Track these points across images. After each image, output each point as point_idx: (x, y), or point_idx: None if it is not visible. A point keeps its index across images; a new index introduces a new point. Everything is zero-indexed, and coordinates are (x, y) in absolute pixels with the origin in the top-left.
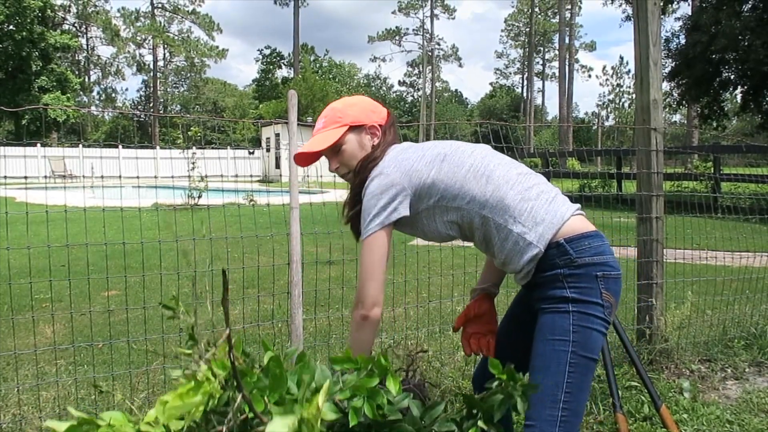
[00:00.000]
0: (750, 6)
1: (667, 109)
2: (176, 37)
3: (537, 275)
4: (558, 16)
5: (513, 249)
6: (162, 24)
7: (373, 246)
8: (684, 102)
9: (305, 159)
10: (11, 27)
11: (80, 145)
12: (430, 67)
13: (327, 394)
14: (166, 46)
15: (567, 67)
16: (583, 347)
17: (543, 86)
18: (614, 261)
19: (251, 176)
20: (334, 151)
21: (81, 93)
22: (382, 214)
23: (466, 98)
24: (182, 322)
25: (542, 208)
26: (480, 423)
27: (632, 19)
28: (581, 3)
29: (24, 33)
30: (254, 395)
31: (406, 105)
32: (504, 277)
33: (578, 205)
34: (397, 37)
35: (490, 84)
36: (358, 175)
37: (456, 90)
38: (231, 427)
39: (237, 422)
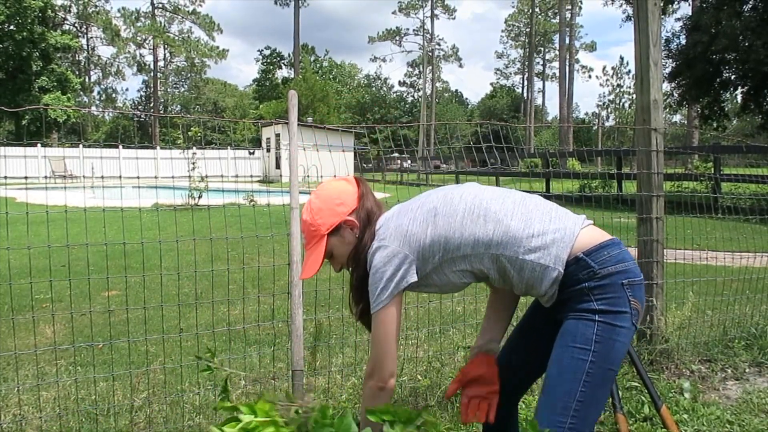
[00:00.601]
0: (750, 6)
1: (667, 110)
2: (176, 38)
3: (562, 292)
4: (558, 17)
5: (531, 277)
6: (162, 24)
7: (385, 319)
8: (684, 102)
9: (311, 272)
10: (12, 27)
11: (80, 146)
12: (430, 68)
13: None
14: (166, 46)
15: (567, 68)
16: (604, 358)
17: (543, 86)
18: (636, 267)
19: (251, 176)
20: (329, 258)
21: (81, 93)
22: (389, 286)
23: (467, 98)
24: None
25: (549, 230)
26: None
27: (632, 19)
28: (581, 3)
29: (24, 33)
30: None
31: (407, 105)
32: (506, 330)
33: (584, 216)
34: (397, 38)
35: (491, 84)
36: (356, 270)
37: (456, 90)
38: None
39: None
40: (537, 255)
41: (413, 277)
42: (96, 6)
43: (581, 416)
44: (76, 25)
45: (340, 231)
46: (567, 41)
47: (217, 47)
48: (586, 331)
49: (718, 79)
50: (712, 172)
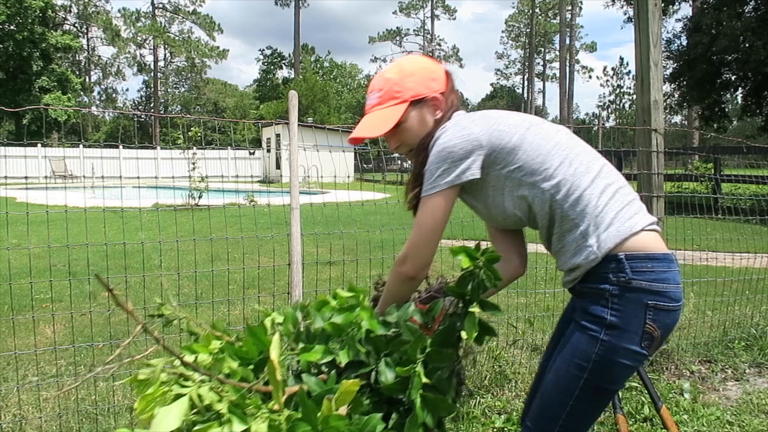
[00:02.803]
0: (751, 7)
1: (667, 111)
2: (177, 38)
3: (583, 284)
4: (559, 17)
5: (570, 245)
6: (163, 24)
7: (436, 206)
8: (685, 103)
9: (359, 138)
10: (12, 27)
11: (81, 146)
12: None
13: (278, 349)
14: (166, 46)
15: (567, 68)
16: (601, 377)
17: (543, 87)
18: (676, 292)
19: (252, 177)
20: (392, 131)
21: (82, 93)
22: (453, 171)
23: (467, 99)
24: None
25: (614, 211)
26: (474, 308)
27: (633, 20)
28: (581, 4)
29: (25, 33)
30: (232, 371)
31: None
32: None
33: (655, 219)
34: (397, 38)
35: (491, 85)
36: (420, 154)
37: (456, 90)
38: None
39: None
40: (589, 229)
41: (477, 173)
42: (96, 6)
43: (570, 427)
44: (77, 25)
45: (422, 106)
46: (567, 42)
47: (218, 47)
48: (587, 348)
49: (718, 80)
50: (713, 172)
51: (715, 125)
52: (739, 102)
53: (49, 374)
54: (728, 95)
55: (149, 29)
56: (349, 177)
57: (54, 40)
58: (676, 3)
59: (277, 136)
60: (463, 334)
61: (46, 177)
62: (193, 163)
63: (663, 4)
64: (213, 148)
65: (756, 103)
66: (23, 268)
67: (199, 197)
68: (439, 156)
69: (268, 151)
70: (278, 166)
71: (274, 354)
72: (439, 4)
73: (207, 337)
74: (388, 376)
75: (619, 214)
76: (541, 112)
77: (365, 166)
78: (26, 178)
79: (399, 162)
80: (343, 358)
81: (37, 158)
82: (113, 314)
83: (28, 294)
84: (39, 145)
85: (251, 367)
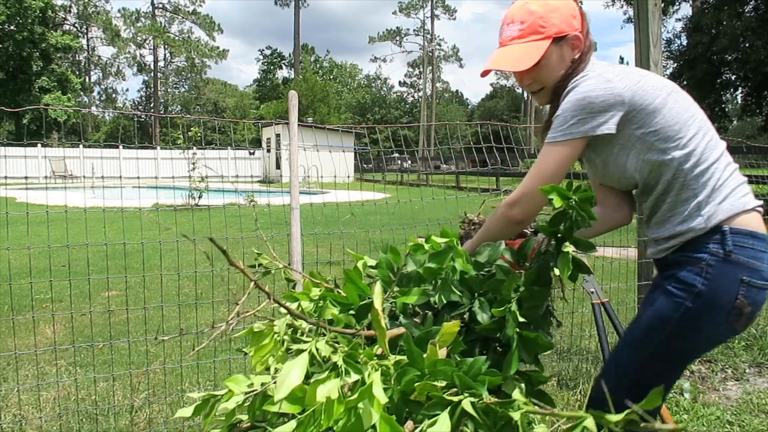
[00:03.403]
0: (751, 6)
1: None
2: (177, 38)
3: (680, 252)
4: None
5: (680, 213)
6: (162, 24)
7: (562, 154)
8: None
9: (517, 66)
10: (12, 27)
11: (81, 146)
12: (430, 68)
13: (381, 297)
14: (166, 46)
15: None
16: (676, 342)
17: None
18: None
19: (252, 177)
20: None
21: (81, 93)
22: (589, 122)
23: (467, 99)
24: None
25: (730, 187)
26: (567, 246)
27: (633, 20)
28: (582, 4)
29: (25, 33)
30: (335, 318)
31: (407, 105)
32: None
33: (761, 203)
34: (397, 38)
35: (491, 85)
36: (553, 98)
37: (457, 90)
38: (297, 350)
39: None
40: (707, 199)
41: (613, 128)
42: (96, 6)
43: (638, 385)
44: (77, 25)
45: (563, 44)
46: None
47: (218, 47)
48: (670, 312)
49: (718, 80)
50: None
51: (715, 125)
52: (739, 102)
53: (50, 374)
54: (728, 95)
55: (149, 29)
56: (349, 177)
57: (54, 40)
58: (676, 3)
59: (277, 136)
60: (557, 272)
61: (46, 177)
62: (193, 163)
63: (663, 4)
64: (213, 148)
65: (756, 103)
66: (23, 268)
67: (199, 197)
68: (577, 104)
69: (268, 151)
70: (278, 166)
71: (377, 302)
72: (439, 4)
73: (306, 285)
74: (483, 316)
75: (735, 190)
76: (541, 111)
77: (365, 166)
78: (26, 178)
79: (399, 162)
80: (439, 300)
81: (37, 158)
82: (113, 314)
83: (28, 294)
84: (39, 145)
85: (352, 312)
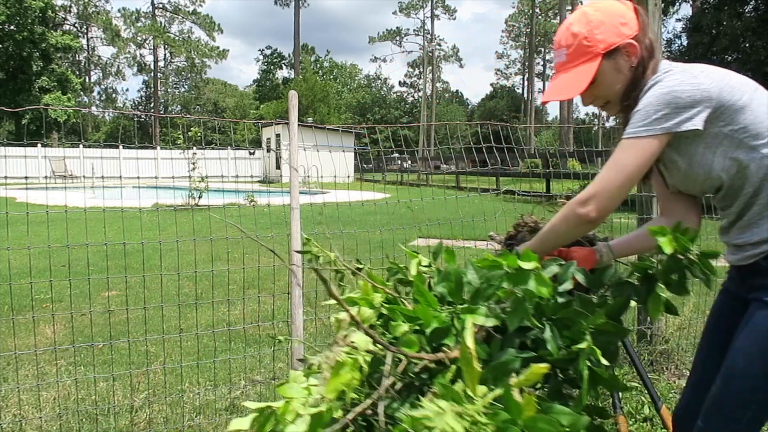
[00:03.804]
0: (751, 7)
1: None
2: (177, 38)
3: None
4: (558, 17)
5: None
6: (162, 24)
7: (644, 149)
8: None
9: (569, 94)
10: (12, 27)
11: (81, 146)
12: (430, 68)
13: (473, 333)
14: (166, 46)
15: None
16: None
17: (543, 87)
18: None
19: (252, 177)
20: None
21: (81, 93)
22: (674, 118)
23: (467, 99)
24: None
25: None
26: (659, 288)
27: None
28: (582, 3)
29: (25, 33)
30: (406, 339)
31: (407, 105)
32: (632, 253)
33: None
34: (397, 38)
35: (491, 85)
36: (623, 103)
37: (457, 91)
38: (395, 380)
39: (398, 373)
40: None
41: (699, 125)
42: (96, 6)
43: (755, 426)
44: (77, 25)
45: (616, 56)
46: None
47: (218, 47)
48: None
49: None
50: None
51: None
52: None
53: (50, 374)
54: None
55: (149, 29)
56: (349, 177)
57: (54, 40)
58: (676, 3)
59: (277, 136)
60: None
61: (46, 177)
62: (193, 163)
63: (663, 4)
64: (213, 148)
65: None
66: (23, 268)
67: (199, 197)
68: (662, 98)
69: (268, 151)
70: (278, 166)
71: (470, 341)
72: (439, 4)
73: (364, 287)
74: (554, 345)
75: None
76: (541, 111)
77: (365, 166)
78: (26, 178)
79: (399, 162)
80: (512, 324)
81: (37, 158)
82: (113, 314)
83: (28, 294)
84: (39, 145)
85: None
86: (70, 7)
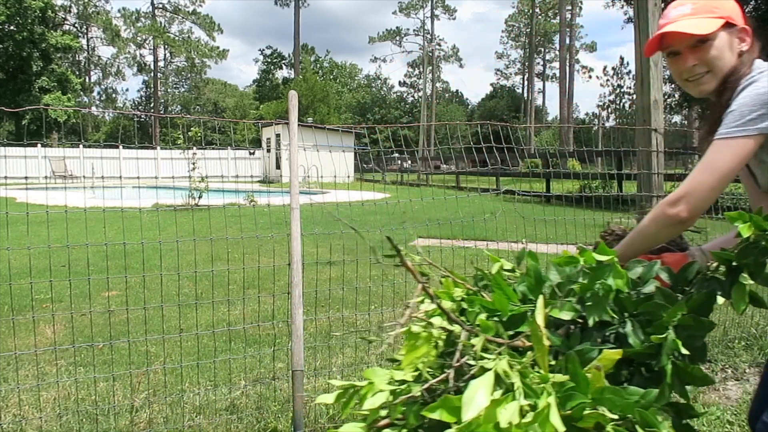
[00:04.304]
0: (751, 7)
1: (667, 110)
2: (177, 38)
3: None
4: (558, 17)
5: None
6: (162, 24)
7: (738, 150)
8: (685, 103)
9: (655, 45)
10: (12, 27)
11: (81, 146)
12: (430, 68)
13: (543, 309)
14: (166, 46)
15: (567, 68)
16: None
17: (543, 87)
18: None
19: (252, 177)
20: (696, 45)
21: (81, 93)
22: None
23: (467, 99)
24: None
25: None
26: (743, 277)
27: (633, 20)
28: (581, 4)
29: (25, 33)
30: (482, 322)
31: (407, 105)
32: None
33: None
34: (397, 38)
35: (491, 85)
36: (717, 81)
37: (457, 90)
38: (461, 359)
39: (475, 353)
40: None
41: None
42: (96, 6)
43: None
44: (77, 25)
45: (733, 33)
46: (567, 41)
47: (218, 47)
48: None
49: None
50: None
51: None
52: None
53: (50, 374)
54: None
55: (149, 29)
56: (349, 177)
57: (54, 40)
58: None
59: (277, 136)
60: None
61: (46, 177)
62: (193, 164)
63: (663, 4)
64: (213, 148)
65: None
66: (23, 268)
67: (199, 197)
68: (758, 98)
69: (268, 151)
70: (278, 166)
71: (540, 318)
72: (439, 4)
73: (446, 283)
74: (635, 339)
75: None
76: (541, 111)
77: (365, 165)
78: (26, 178)
79: (399, 162)
80: (590, 318)
81: (37, 158)
82: (113, 314)
83: (28, 294)
84: (39, 145)
85: (497, 319)
86: (70, 7)
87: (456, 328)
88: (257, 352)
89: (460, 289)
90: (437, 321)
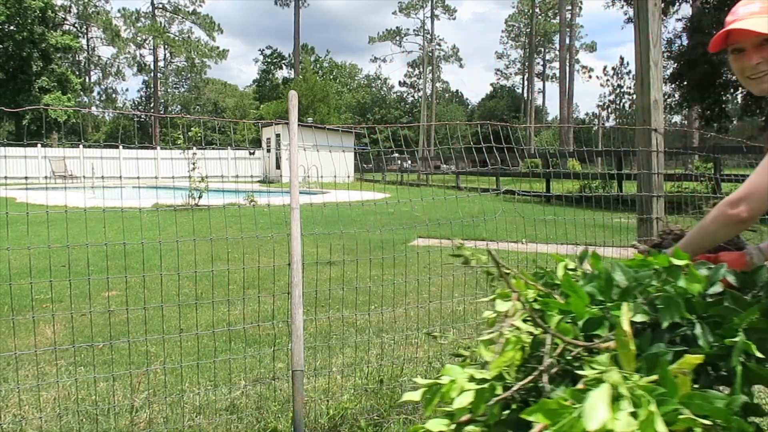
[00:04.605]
0: None
1: (667, 111)
2: (177, 38)
3: None
4: (558, 17)
5: None
6: (162, 24)
7: None
8: (685, 103)
9: (721, 41)
10: (12, 27)
11: (81, 146)
12: (430, 68)
13: (628, 315)
14: (166, 46)
15: (567, 68)
16: None
17: (543, 87)
18: None
19: (252, 177)
20: (762, 43)
21: (81, 93)
22: None
23: (467, 99)
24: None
25: None
26: None
27: (633, 20)
28: (581, 4)
29: (25, 33)
30: (561, 327)
31: (407, 105)
32: None
33: None
34: (397, 38)
35: (491, 85)
36: None
37: (457, 90)
38: (551, 363)
39: (556, 356)
40: None
41: None
42: (96, 6)
43: None
44: (77, 25)
45: None
46: (567, 41)
47: (218, 47)
48: None
49: (718, 80)
50: (713, 172)
51: (715, 125)
52: (739, 102)
53: (50, 374)
54: (728, 95)
55: (149, 29)
56: (349, 177)
57: (54, 40)
58: (676, 3)
59: (277, 136)
60: None
61: (46, 177)
62: (193, 164)
63: (663, 4)
64: (213, 148)
65: (756, 104)
66: (23, 268)
67: (199, 197)
68: None
69: (268, 151)
70: (278, 166)
71: (626, 324)
72: (439, 4)
73: (518, 284)
74: (705, 341)
75: None
76: (541, 111)
77: (365, 166)
78: (26, 178)
79: (399, 162)
80: (663, 320)
81: (37, 158)
82: (113, 314)
83: (28, 294)
84: (39, 145)
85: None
86: (70, 7)
87: (539, 332)
88: (257, 352)
89: (531, 291)
90: (522, 325)
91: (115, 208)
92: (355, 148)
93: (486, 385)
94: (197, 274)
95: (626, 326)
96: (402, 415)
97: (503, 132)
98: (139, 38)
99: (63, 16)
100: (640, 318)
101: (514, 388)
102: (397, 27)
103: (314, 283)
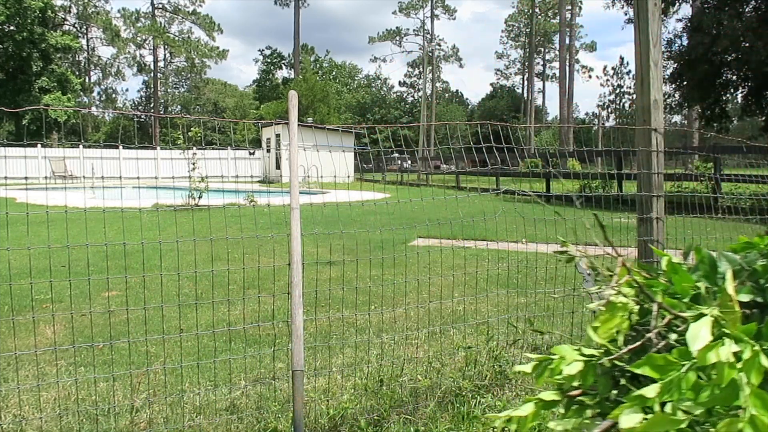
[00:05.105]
0: (752, 7)
1: (667, 111)
2: (176, 38)
3: None
4: (558, 17)
5: None
6: (162, 24)
7: None
8: (685, 103)
9: None
10: (12, 28)
11: (81, 146)
12: (430, 68)
13: (733, 281)
14: (166, 46)
15: (567, 68)
16: None
17: (543, 87)
18: None
19: (252, 177)
20: None
21: (81, 93)
22: None
23: (467, 99)
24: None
25: None
26: None
27: (633, 20)
28: (581, 3)
29: (24, 34)
30: (667, 300)
31: (407, 105)
32: None
33: None
34: (397, 38)
35: (491, 85)
36: None
37: (456, 90)
38: (658, 333)
39: (661, 327)
40: None
41: None
42: (96, 6)
43: None
44: (76, 25)
45: None
46: (567, 41)
47: (217, 47)
48: None
49: (719, 81)
50: (713, 172)
51: (716, 125)
52: (739, 102)
53: (50, 374)
54: (728, 95)
55: (149, 29)
56: (349, 177)
57: (54, 40)
58: (676, 3)
59: (277, 136)
60: None
61: (46, 177)
62: (193, 164)
63: (663, 5)
64: (213, 149)
65: (756, 104)
66: (23, 268)
67: (199, 197)
68: None
69: (268, 151)
70: (278, 166)
71: (730, 287)
72: (439, 4)
73: (622, 272)
74: None
75: None
76: (541, 111)
77: (365, 166)
78: (26, 178)
79: (399, 162)
80: None
81: (37, 158)
82: (113, 314)
83: (28, 294)
84: (39, 145)
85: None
86: (70, 7)
87: (646, 301)
88: (257, 352)
89: (638, 276)
90: (629, 291)
91: (115, 209)
92: (355, 148)
93: (593, 359)
94: (197, 274)
95: (731, 290)
96: (402, 415)
97: (503, 132)
98: (139, 38)
99: (63, 17)
100: (745, 297)
101: (623, 351)
102: (397, 27)
103: (314, 283)
